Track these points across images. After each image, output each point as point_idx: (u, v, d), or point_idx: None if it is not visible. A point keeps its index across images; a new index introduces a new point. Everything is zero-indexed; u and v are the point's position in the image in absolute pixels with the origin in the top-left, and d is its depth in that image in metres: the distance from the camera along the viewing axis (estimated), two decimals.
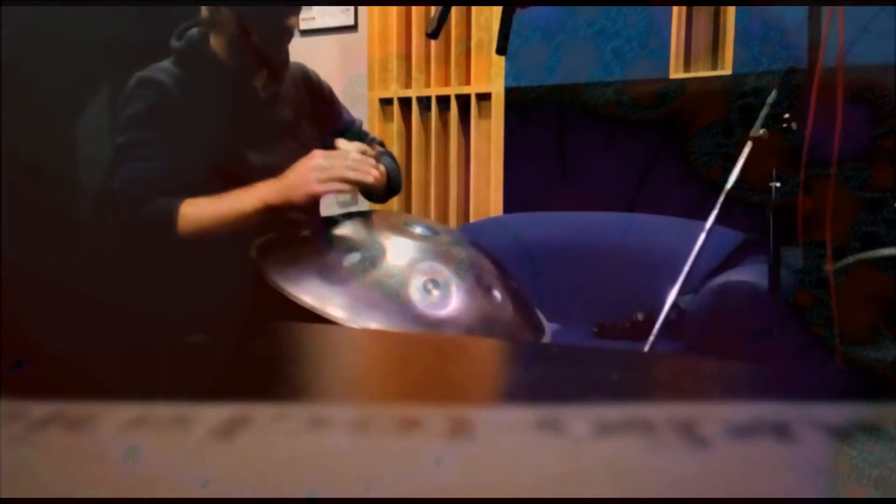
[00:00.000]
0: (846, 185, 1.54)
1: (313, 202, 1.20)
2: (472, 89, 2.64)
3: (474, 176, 2.68)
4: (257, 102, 1.30)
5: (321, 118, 1.43)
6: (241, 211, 1.15)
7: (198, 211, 1.16)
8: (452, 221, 2.69)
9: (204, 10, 1.28)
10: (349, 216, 1.18)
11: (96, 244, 1.27)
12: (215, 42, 1.28)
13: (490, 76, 2.60)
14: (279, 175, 1.17)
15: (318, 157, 1.17)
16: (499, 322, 1.05)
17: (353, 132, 1.48)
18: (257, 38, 1.25)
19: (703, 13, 2.26)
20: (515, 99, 2.54)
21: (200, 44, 1.28)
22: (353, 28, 2.87)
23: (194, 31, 1.29)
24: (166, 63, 1.27)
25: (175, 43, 1.28)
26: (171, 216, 1.15)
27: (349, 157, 1.19)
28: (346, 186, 1.19)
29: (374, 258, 1.04)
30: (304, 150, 1.22)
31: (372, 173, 1.18)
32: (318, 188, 1.15)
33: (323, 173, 1.15)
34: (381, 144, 1.54)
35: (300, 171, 1.16)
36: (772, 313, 1.36)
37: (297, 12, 1.27)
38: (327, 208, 1.40)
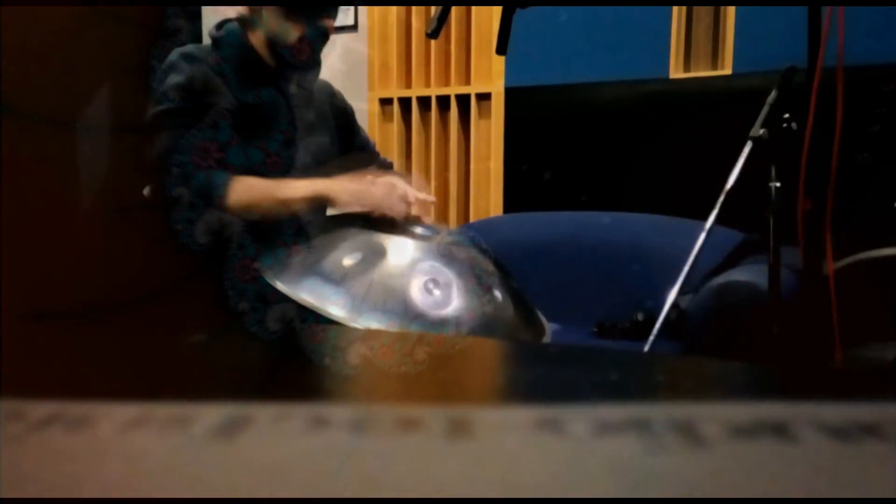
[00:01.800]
0: None
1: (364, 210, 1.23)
2: (472, 89, 2.64)
3: (474, 176, 2.68)
4: (286, 98, 1.35)
5: (340, 134, 1.49)
6: (291, 196, 1.21)
7: (248, 187, 1.21)
8: (452, 221, 2.69)
9: (244, 8, 1.34)
10: (350, 216, 1.19)
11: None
12: (253, 38, 1.33)
13: (490, 76, 2.60)
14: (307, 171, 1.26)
15: (391, 180, 1.23)
16: (499, 322, 1.05)
17: (367, 154, 1.56)
18: (295, 39, 1.30)
19: (703, 13, 2.26)
20: (516, 99, 2.54)
21: (239, 35, 1.33)
22: (353, 28, 2.87)
23: (234, 23, 1.35)
24: (205, 45, 1.33)
25: (214, 32, 1.34)
26: (223, 187, 1.19)
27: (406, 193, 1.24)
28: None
29: (374, 258, 1.04)
30: (320, 154, 1.31)
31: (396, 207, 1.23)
32: (376, 205, 1.19)
33: (387, 199, 1.20)
34: (390, 166, 1.63)
35: (363, 184, 1.21)
36: (772, 313, 1.35)
37: (334, 16, 1.35)
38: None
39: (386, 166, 1.59)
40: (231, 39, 1.33)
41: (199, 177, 1.19)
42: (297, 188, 1.22)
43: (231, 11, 1.37)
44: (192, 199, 1.18)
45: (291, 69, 1.34)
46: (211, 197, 1.18)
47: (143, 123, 1.25)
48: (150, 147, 1.23)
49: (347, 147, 1.50)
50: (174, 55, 1.28)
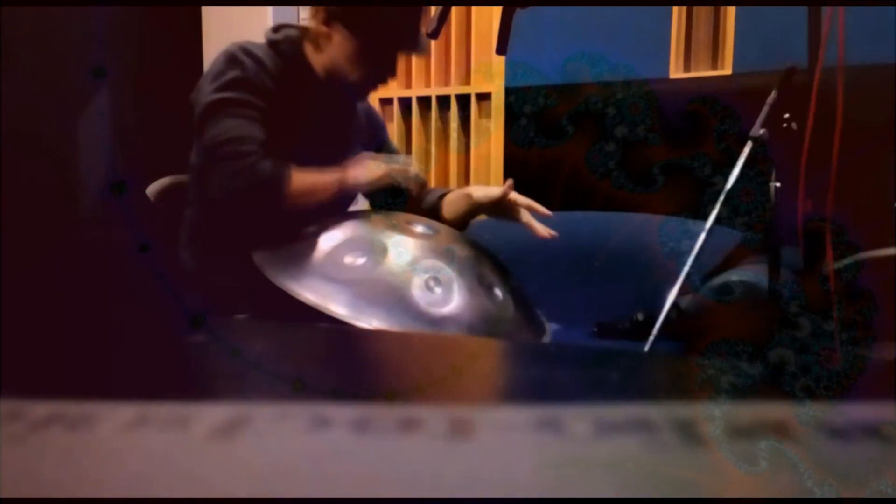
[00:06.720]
0: None
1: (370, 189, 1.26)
2: (472, 89, 2.64)
3: (474, 176, 2.68)
4: (331, 115, 1.35)
5: (370, 135, 1.51)
6: (327, 184, 1.21)
7: (301, 176, 1.20)
8: None
9: (312, 23, 1.30)
10: (351, 215, 1.18)
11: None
12: (312, 52, 1.31)
13: (490, 76, 2.60)
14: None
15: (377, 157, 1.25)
16: (500, 321, 1.05)
17: (388, 150, 1.57)
18: (357, 78, 1.30)
19: (703, 13, 2.26)
20: (515, 99, 2.53)
21: (296, 43, 1.31)
22: None
23: (293, 31, 1.33)
24: (261, 44, 1.30)
25: (271, 34, 1.32)
26: (283, 175, 1.18)
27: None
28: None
29: (375, 256, 1.04)
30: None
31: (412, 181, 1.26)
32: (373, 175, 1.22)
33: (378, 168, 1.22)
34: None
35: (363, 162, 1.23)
36: (772, 313, 1.35)
37: (414, 52, 1.35)
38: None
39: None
40: (289, 47, 1.30)
41: (264, 167, 1.18)
42: (331, 179, 1.22)
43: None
44: (255, 189, 1.18)
45: (343, 95, 1.34)
46: (275, 187, 1.18)
47: (199, 112, 1.22)
48: (203, 136, 1.21)
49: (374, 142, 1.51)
50: (233, 47, 1.26)
